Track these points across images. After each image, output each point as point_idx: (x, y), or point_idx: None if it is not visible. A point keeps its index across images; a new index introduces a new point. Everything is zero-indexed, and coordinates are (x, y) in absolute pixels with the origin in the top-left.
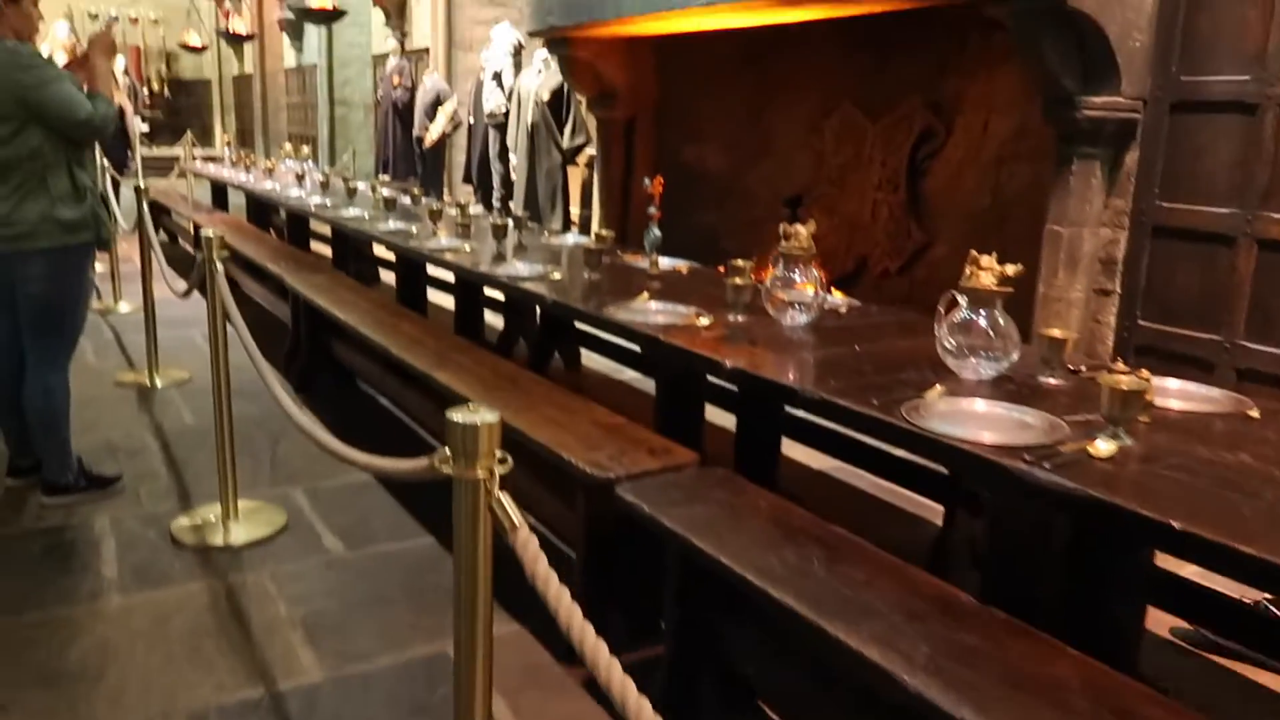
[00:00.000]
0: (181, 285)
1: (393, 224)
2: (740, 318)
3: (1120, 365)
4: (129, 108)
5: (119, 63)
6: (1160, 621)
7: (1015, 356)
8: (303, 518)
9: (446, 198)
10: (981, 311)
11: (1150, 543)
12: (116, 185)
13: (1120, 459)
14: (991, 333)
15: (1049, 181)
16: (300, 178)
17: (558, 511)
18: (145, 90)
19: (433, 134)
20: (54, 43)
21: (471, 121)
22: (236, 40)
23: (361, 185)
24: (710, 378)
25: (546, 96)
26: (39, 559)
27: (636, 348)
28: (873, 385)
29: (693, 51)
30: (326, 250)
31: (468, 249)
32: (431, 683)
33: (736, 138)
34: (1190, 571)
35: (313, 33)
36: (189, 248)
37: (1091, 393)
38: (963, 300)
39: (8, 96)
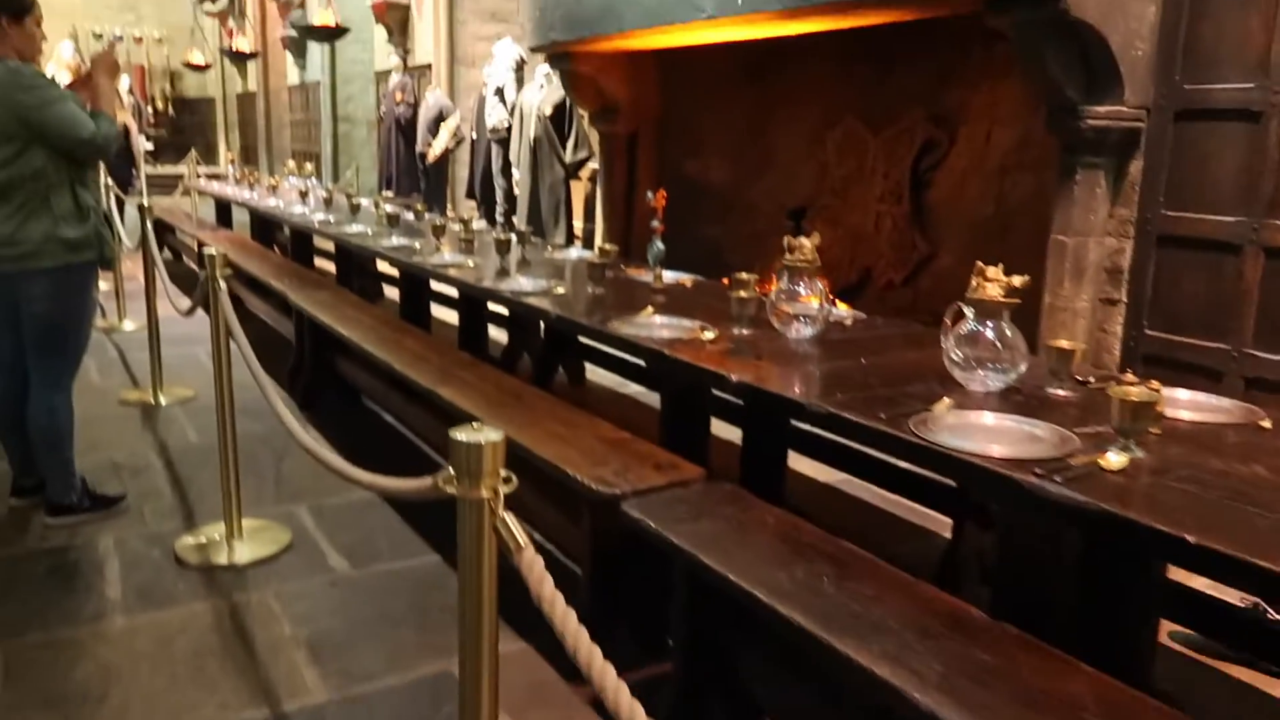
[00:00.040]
0: (185, 303)
1: (396, 240)
2: (745, 331)
3: (1130, 376)
4: (134, 127)
5: (123, 82)
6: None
7: (1023, 368)
8: (307, 536)
9: (450, 213)
10: (988, 323)
11: (1164, 557)
12: (121, 204)
13: (1132, 471)
14: (999, 344)
15: (1052, 191)
16: (304, 194)
17: (563, 528)
18: (150, 109)
19: (436, 150)
20: (59, 62)
21: (474, 137)
22: (240, 58)
23: (365, 201)
24: (715, 392)
25: (549, 111)
26: (42, 580)
27: (641, 362)
28: (880, 398)
29: (695, 65)
30: (330, 267)
31: (471, 264)
32: (437, 702)
33: (739, 151)
34: (1187, 578)
35: (316, 50)
36: (193, 265)
37: (1100, 404)
38: (969, 312)
39: (10, 117)
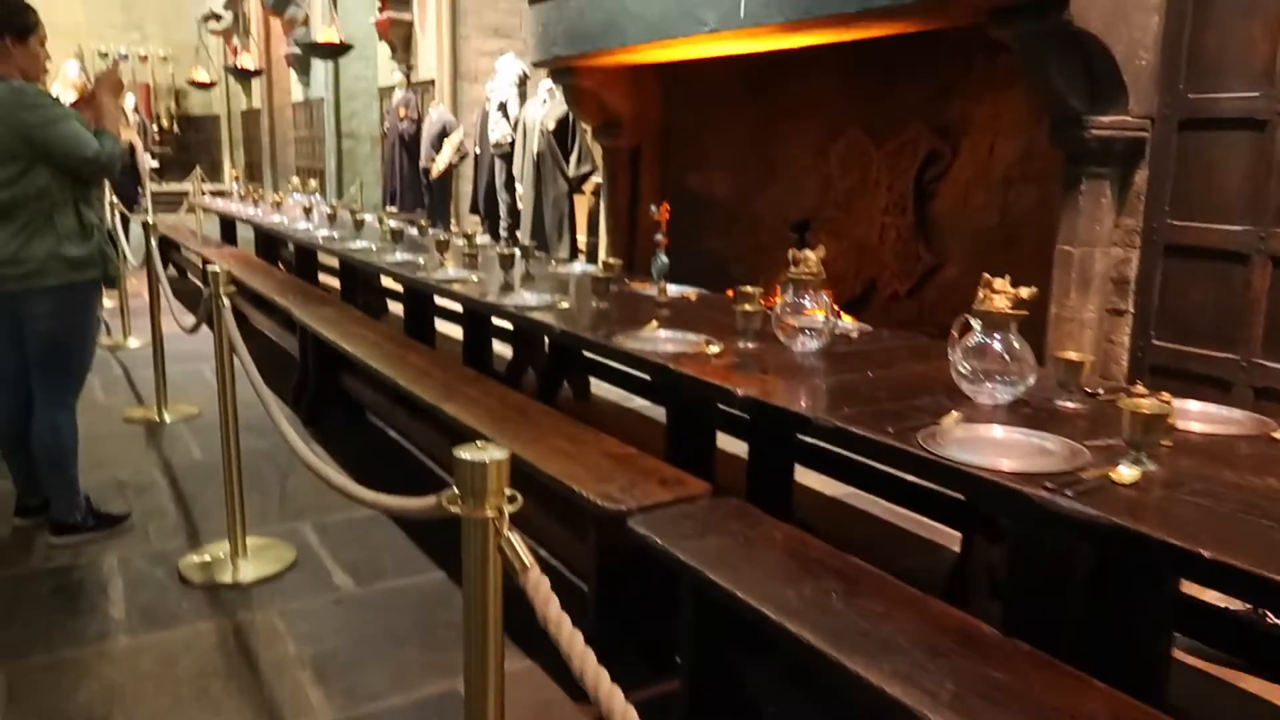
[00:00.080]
0: (189, 320)
1: (400, 255)
2: (750, 345)
3: (1140, 388)
4: (139, 144)
5: (129, 100)
6: None
7: (1031, 380)
8: (312, 553)
9: (453, 228)
10: (996, 335)
11: (1178, 571)
12: (126, 222)
13: (1144, 485)
14: (1006, 356)
15: (1057, 202)
16: (308, 211)
17: (569, 544)
18: (155, 127)
19: (439, 165)
20: (64, 81)
21: (477, 152)
22: (244, 76)
23: (369, 217)
24: (721, 405)
25: (552, 126)
26: (46, 600)
27: (646, 376)
28: (887, 412)
29: (697, 79)
30: (334, 283)
31: (475, 279)
32: None
33: (742, 163)
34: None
35: (319, 67)
36: (198, 282)
37: (1110, 416)
38: (976, 324)
39: (14, 136)
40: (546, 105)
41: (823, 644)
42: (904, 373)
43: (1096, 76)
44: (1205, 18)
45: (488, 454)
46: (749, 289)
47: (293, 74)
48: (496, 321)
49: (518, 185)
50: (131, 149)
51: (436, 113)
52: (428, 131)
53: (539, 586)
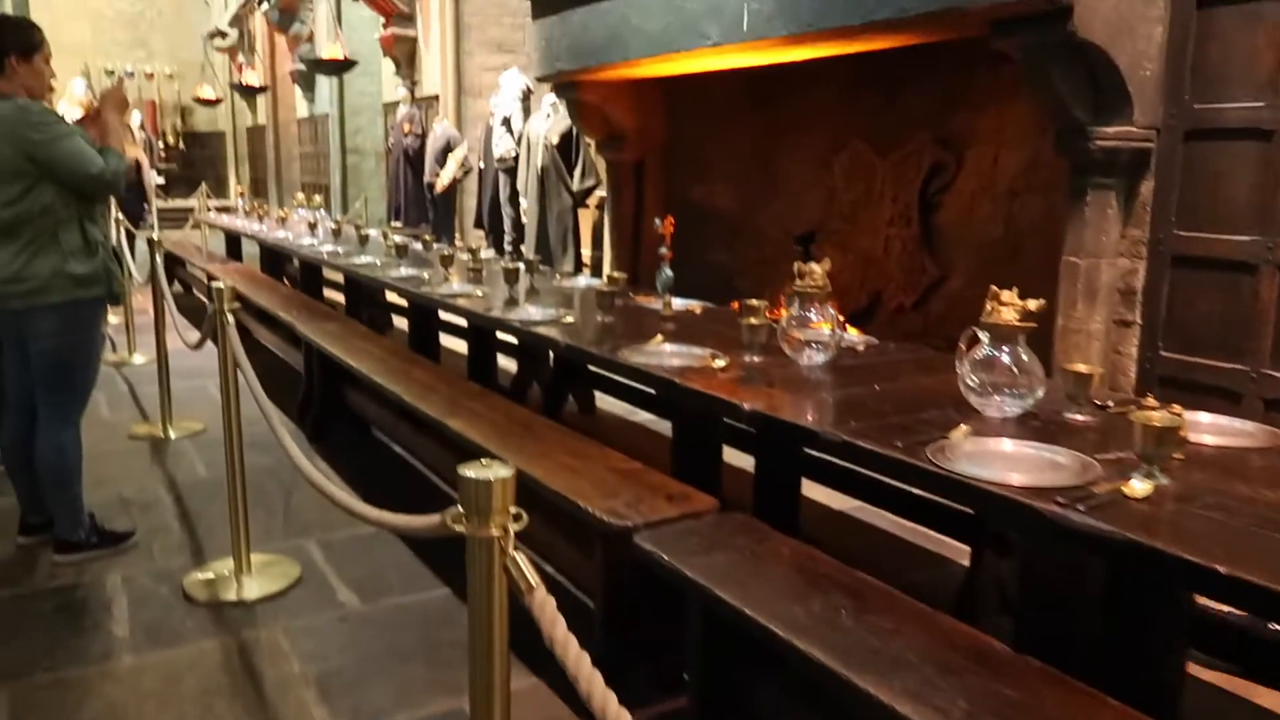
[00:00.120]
0: (194, 336)
1: (404, 270)
2: (756, 358)
3: (1150, 400)
4: (145, 161)
5: (135, 118)
6: None
7: (1040, 393)
8: (316, 570)
9: (458, 243)
10: (1004, 348)
11: (1193, 587)
12: (131, 238)
13: (1157, 499)
14: (1015, 369)
15: (1062, 213)
16: (312, 226)
17: (575, 560)
18: (161, 144)
19: (443, 180)
20: (71, 99)
21: (482, 166)
22: (250, 92)
23: (373, 232)
24: (727, 419)
25: (555, 140)
26: (50, 618)
27: (651, 390)
28: (895, 426)
29: (700, 92)
30: (339, 298)
31: (479, 294)
32: None
33: (746, 176)
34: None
35: (324, 83)
36: (204, 298)
37: (1121, 429)
38: (984, 336)
39: (18, 153)
40: (550, 120)
41: (832, 661)
42: (911, 386)
43: (1101, 87)
44: (1209, 28)
45: (492, 472)
46: (754, 302)
47: (298, 90)
48: (501, 336)
49: (522, 199)
50: (138, 166)
51: (441, 128)
52: (432, 146)
53: (545, 607)
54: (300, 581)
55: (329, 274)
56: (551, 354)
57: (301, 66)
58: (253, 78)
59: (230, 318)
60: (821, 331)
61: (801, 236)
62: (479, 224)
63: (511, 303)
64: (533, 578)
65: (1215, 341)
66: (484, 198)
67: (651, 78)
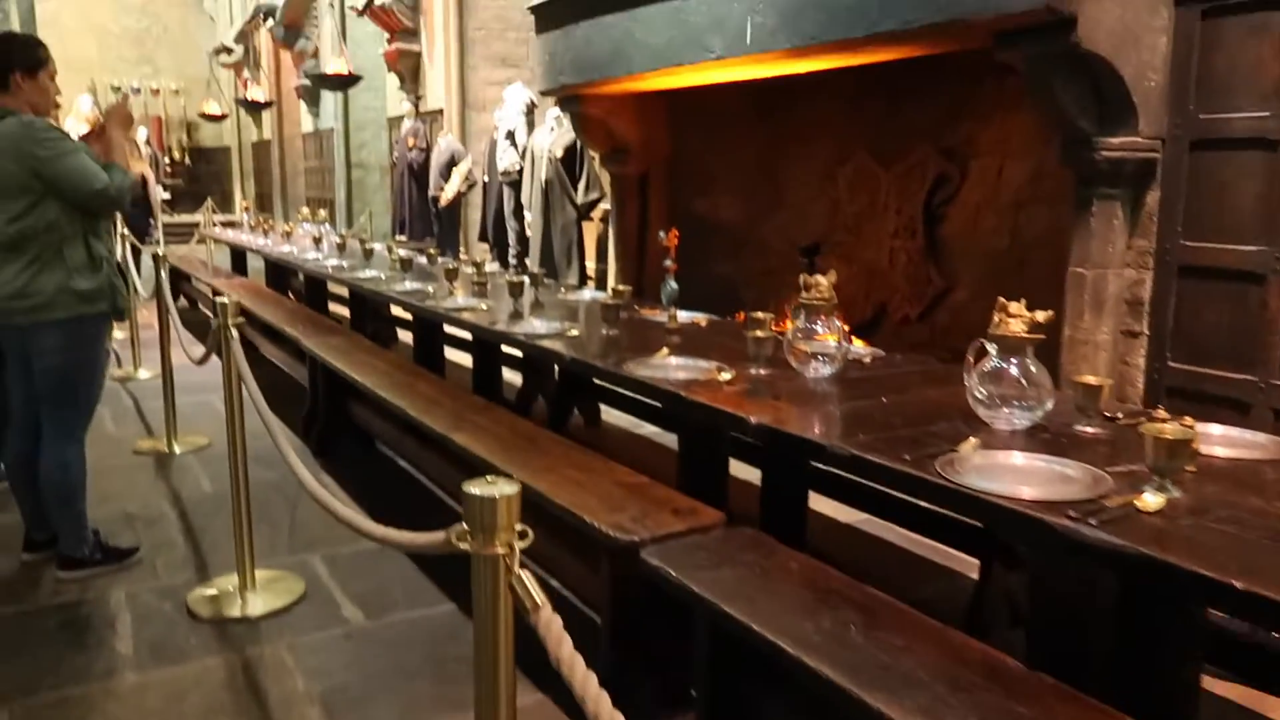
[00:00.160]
0: (199, 351)
1: (409, 284)
2: (762, 371)
3: (1161, 412)
4: (152, 177)
5: (141, 133)
6: None
7: (1049, 405)
8: (321, 585)
9: (462, 256)
10: (1012, 360)
11: (1208, 602)
12: (137, 253)
13: (1170, 512)
14: (1024, 381)
15: (1068, 224)
16: (317, 240)
17: (582, 575)
18: (167, 159)
19: (448, 194)
20: (78, 116)
21: (486, 180)
22: (255, 108)
23: (378, 246)
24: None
25: (559, 153)
26: (54, 636)
27: (657, 403)
28: (903, 439)
29: (704, 105)
30: (344, 312)
31: (484, 307)
32: None
33: (750, 188)
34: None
35: (329, 98)
36: (209, 313)
37: (1131, 441)
38: (992, 348)
39: (23, 170)
40: (554, 133)
41: (842, 678)
42: (919, 398)
43: (1106, 98)
44: (1214, 38)
45: (497, 489)
46: (760, 314)
47: (302, 105)
48: (506, 349)
49: (526, 213)
50: (144, 182)
51: (445, 142)
52: (436, 160)
53: (551, 626)
54: (305, 597)
55: (334, 288)
56: (556, 367)
57: (306, 82)
58: (258, 93)
59: (234, 332)
60: (828, 344)
61: (806, 248)
62: (483, 237)
63: (516, 316)
64: (539, 596)
65: (1223, 352)
66: (488, 211)
67: (655, 91)
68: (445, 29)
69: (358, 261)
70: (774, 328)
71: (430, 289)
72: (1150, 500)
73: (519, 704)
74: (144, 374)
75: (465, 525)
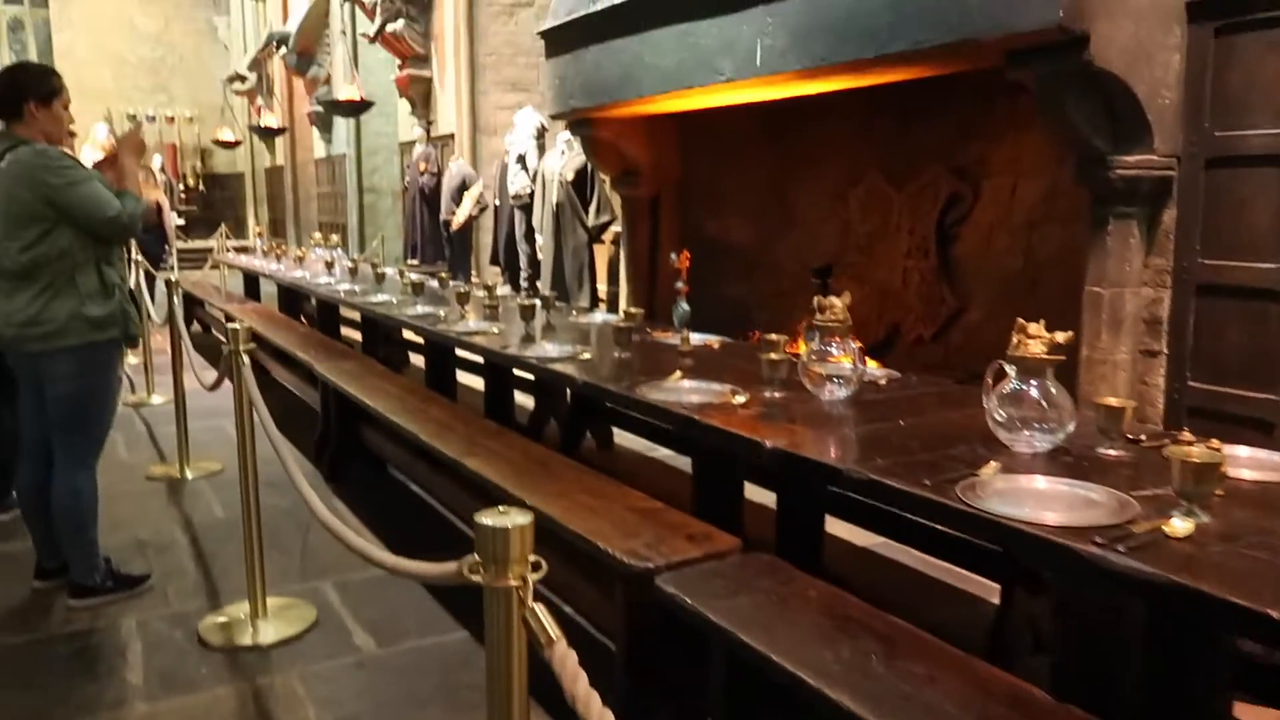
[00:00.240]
0: (211, 376)
1: (420, 308)
2: (777, 394)
3: (1186, 435)
4: (166, 204)
5: (155, 160)
6: None
7: (1071, 427)
8: (333, 613)
9: (474, 280)
10: (1032, 381)
11: (1241, 631)
12: (151, 279)
13: (1199, 538)
14: (1044, 403)
15: (1083, 243)
16: (329, 265)
17: (595, 601)
18: (180, 185)
19: (459, 217)
20: (94, 144)
21: (497, 204)
22: (268, 134)
23: (390, 270)
24: None
25: (570, 176)
26: (64, 664)
27: (670, 426)
28: (922, 463)
29: (715, 126)
30: (356, 336)
31: (496, 331)
32: None
33: (762, 210)
34: None
35: (341, 124)
36: (222, 338)
37: (1156, 464)
38: (1011, 370)
39: (36, 198)
40: (565, 156)
41: (864, 710)
42: (936, 420)
43: (1119, 116)
44: (1228, 55)
45: (510, 519)
46: (774, 337)
47: (315, 131)
48: (518, 373)
49: (537, 236)
50: (159, 209)
51: (456, 166)
52: (448, 185)
53: (565, 661)
54: (316, 624)
55: (346, 312)
56: (569, 391)
57: (319, 108)
58: (271, 120)
59: (245, 358)
60: (843, 366)
61: (819, 269)
62: (495, 261)
63: (528, 339)
64: (553, 630)
65: (1244, 371)
66: (500, 235)
67: (665, 113)
68: (456, 55)
69: (370, 286)
70: (787, 350)
71: (442, 313)
72: (1179, 526)
73: None
74: (157, 399)
75: (477, 556)
